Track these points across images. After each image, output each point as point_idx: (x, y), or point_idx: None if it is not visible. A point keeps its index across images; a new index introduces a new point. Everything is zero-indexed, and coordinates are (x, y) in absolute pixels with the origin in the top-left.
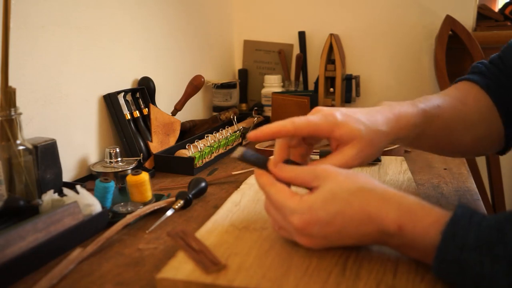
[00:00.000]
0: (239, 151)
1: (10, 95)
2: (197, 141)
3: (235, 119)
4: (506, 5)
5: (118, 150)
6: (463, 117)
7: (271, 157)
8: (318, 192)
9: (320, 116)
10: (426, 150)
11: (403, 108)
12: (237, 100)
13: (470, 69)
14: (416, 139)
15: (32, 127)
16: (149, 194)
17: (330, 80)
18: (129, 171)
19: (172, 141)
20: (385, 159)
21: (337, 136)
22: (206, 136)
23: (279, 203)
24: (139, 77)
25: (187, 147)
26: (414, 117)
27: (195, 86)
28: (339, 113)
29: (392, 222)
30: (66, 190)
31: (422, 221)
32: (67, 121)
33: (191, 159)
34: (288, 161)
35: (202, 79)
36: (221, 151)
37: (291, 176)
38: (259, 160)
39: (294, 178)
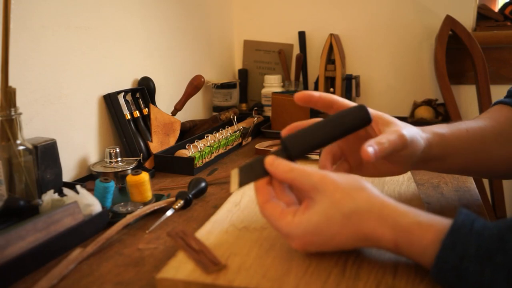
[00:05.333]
0: (234, 182)
1: (10, 95)
2: (197, 141)
3: (235, 119)
4: (506, 5)
5: (118, 150)
6: (497, 133)
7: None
8: (312, 214)
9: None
10: (463, 169)
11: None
12: (237, 100)
13: (506, 94)
14: (450, 155)
15: (32, 127)
16: (149, 194)
17: (330, 80)
18: (129, 171)
19: (172, 141)
20: None
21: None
22: (206, 136)
23: (273, 224)
24: (139, 77)
25: (187, 147)
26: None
27: (195, 86)
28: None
29: (389, 241)
30: (66, 190)
31: (419, 241)
32: (67, 121)
33: (191, 159)
34: None
35: (202, 79)
36: (221, 151)
37: (288, 177)
38: (258, 173)
39: (291, 180)
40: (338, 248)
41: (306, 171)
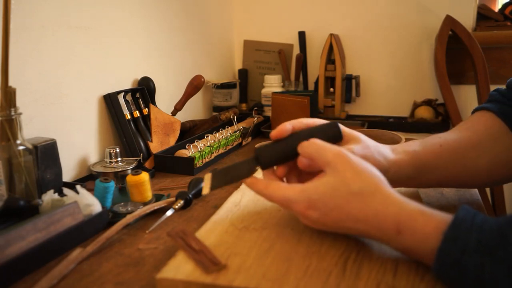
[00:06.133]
0: (207, 186)
1: (10, 95)
2: (197, 141)
3: (235, 119)
4: (506, 5)
5: (118, 150)
6: (474, 144)
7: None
8: (320, 184)
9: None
10: (440, 183)
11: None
12: (237, 100)
13: (487, 98)
14: (425, 172)
15: (32, 127)
16: (149, 194)
17: (330, 80)
18: (129, 171)
19: (172, 141)
20: None
21: None
22: (206, 136)
23: (280, 198)
24: (139, 77)
25: (187, 147)
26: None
27: (195, 86)
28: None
29: (391, 226)
30: (66, 190)
31: (422, 228)
32: (67, 121)
33: (191, 159)
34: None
35: (202, 79)
36: (221, 151)
37: (307, 151)
38: (238, 174)
39: (309, 154)
40: (338, 225)
41: (323, 146)
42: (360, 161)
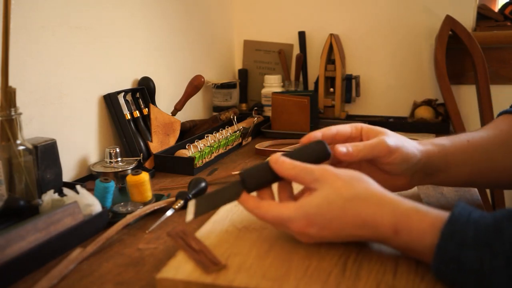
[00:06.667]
0: (190, 212)
1: (10, 95)
2: (197, 141)
3: (235, 119)
4: (506, 5)
5: (118, 150)
6: (501, 143)
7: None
8: (314, 197)
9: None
10: (469, 180)
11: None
12: (237, 100)
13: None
14: (453, 165)
15: (32, 127)
16: (149, 194)
17: (330, 80)
18: (129, 171)
19: (172, 141)
20: None
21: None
22: (206, 136)
23: (274, 218)
24: (139, 77)
25: (187, 147)
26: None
27: (195, 86)
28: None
29: (388, 227)
30: (66, 190)
31: (418, 226)
32: (67, 121)
33: (191, 159)
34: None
35: (202, 79)
36: (221, 151)
37: (291, 174)
38: (223, 198)
39: (293, 176)
40: (337, 234)
41: (307, 167)
42: (346, 171)
